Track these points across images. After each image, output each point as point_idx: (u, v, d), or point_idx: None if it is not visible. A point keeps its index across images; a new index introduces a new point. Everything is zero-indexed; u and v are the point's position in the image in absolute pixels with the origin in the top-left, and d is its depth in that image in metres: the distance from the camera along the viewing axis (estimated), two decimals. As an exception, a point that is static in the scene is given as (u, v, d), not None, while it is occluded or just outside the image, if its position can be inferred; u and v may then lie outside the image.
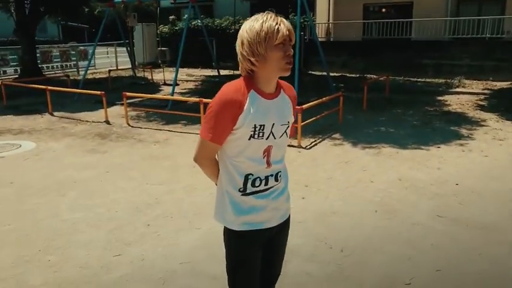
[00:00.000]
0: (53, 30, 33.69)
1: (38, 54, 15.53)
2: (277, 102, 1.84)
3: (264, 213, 1.88)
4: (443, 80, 13.67)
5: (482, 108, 9.76)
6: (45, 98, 9.56)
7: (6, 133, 7.94)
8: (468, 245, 3.63)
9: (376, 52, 15.51)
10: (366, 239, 3.76)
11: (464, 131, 7.60)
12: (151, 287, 3.08)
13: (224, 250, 1.96)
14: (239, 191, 1.84)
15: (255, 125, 1.75)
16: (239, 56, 1.78)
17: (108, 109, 8.96)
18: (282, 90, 1.88)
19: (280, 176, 1.91)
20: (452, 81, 13.28)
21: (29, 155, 6.52)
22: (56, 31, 33.52)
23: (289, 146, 6.67)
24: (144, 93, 10.50)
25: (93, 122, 8.82)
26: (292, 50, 1.77)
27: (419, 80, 14.20)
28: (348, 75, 15.56)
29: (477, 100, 10.76)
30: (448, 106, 10.07)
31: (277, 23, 1.73)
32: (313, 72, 15.65)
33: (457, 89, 12.45)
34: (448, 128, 7.89)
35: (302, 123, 6.84)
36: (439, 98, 11.20)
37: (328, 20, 18.24)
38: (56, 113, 9.55)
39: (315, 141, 7.06)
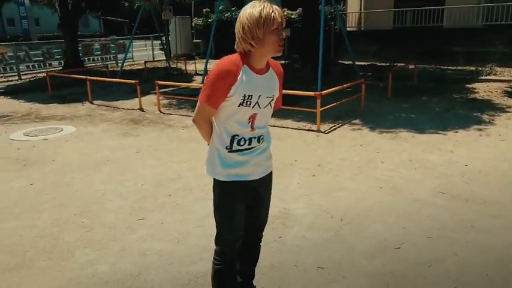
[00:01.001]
0: (95, 24, 35.14)
1: (80, 48, 16.42)
2: (265, 78, 2.15)
3: (246, 168, 2.21)
4: (474, 68, 13.43)
5: (510, 95, 9.62)
6: (86, 88, 10.26)
7: (50, 119, 8.65)
8: (463, 218, 3.83)
9: (407, 41, 15.38)
10: (366, 211, 4.04)
11: (486, 117, 7.61)
12: (167, 244, 3.51)
13: None
14: (226, 148, 2.17)
15: (244, 94, 2.06)
16: (239, 38, 2.07)
17: (142, 98, 9.52)
18: (270, 68, 2.18)
19: (262, 139, 2.24)
20: (484, 68, 13.02)
21: (69, 137, 7.15)
22: (97, 26, 34.95)
23: (308, 130, 7.00)
24: (177, 83, 11.01)
25: (128, 109, 9.42)
26: (284, 34, 2.07)
27: (450, 68, 14.00)
28: (377, 64, 15.52)
29: (506, 87, 10.58)
30: (475, 93, 9.99)
31: (272, 11, 2.01)
32: (343, 62, 15.71)
33: (488, 77, 12.22)
34: (471, 114, 7.91)
35: (321, 109, 7.11)
36: (468, 85, 11.07)
37: (360, 9, 18.16)
38: (95, 102, 10.23)
39: (334, 126, 7.30)
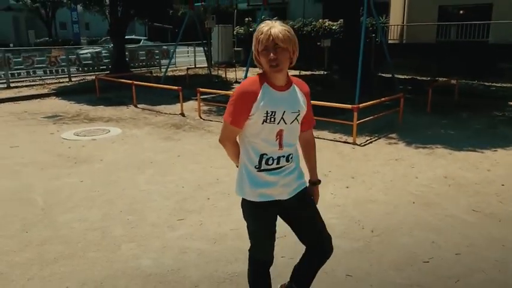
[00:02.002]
0: (140, 30, 36.45)
1: (126, 53, 17.19)
2: (288, 94, 2.23)
3: (275, 188, 2.26)
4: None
5: (556, 115, 9.36)
6: (131, 91, 10.80)
7: (98, 120, 9.19)
8: (494, 237, 3.88)
9: (450, 55, 15.15)
10: (397, 224, 4.15)
11: (528, 137, 7.48)
12: (205, 244, 3.76)
13: None
14: (255, 167, 2.23)
15: (267, 111, 2.14)
16: None
17: (184, 103, 9.93)
18: (293, 85, 2.27)
19: (291, 158, 2.29)
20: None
21: (116, 139, 7.60)
22: (143, 31, 36.23)
23: (344, 142, 7.14)
24: (217, 90, 11.39)
25: (170, 114, 9.84)
26: (275, 55, 2.08)
27: (493, 84, 13.68)
28: (418, 78, 15.36)
29: (554, 107, 10.28)
30: (518, 112, 9.78)
31: (263, 32, 2.09)
32: (383, 75, 15.66)
33: (535, 95, 11.89)
34: (512, 133, 7.80)
35: (358, 122, 7.23)
36: (511, 103, 10.84)
37: (403, 22, 18.04)
38: (139, 105, 10.75)
39: (370, 139, 7.39)
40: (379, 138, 7.45)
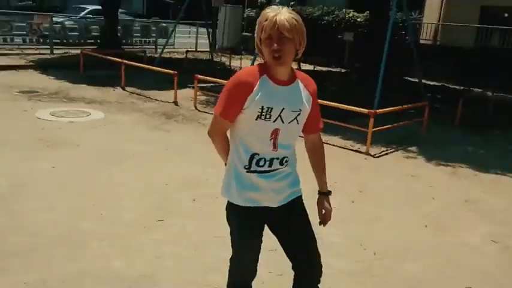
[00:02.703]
0: (137, 3, 36.63)
1: (119, 27, 17.33)
2: (290, 90, 2.23)
3: (265, 193, 2.29)
4: None
5: None
6: (120, 71, 10.91)
7: (79, 101, 9.31)
8: (511, 271, 3.95)
9: (489, 63, 15.20)
10: (404, 248, 4.22)
11: None
12: (184, 250, 3.85)
13: None
14: (244, 167, 2.25)
15: (262, 106, 2.14)
16: None
17: (178, 90, 10.04)
18: (298, 80, 2.28)
19: (286, 162, 2.30)
20: None
21: (96, 123, 7.71)
22: (140, 5, 36.42)
23: (356, 151, 7.22)
24: (218, 79, 11.48)
25: (161, 101, 9.95)
26: (279, 45, 2.10)
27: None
28: (450, 86, 15.43)
29: None
30: (560, 134, 9.82)
31: (267, 19, 2.11)
32: (409, 79, 15.73)
33: None
34: (550, 157, 7.85)
35: (374, 129, 7.30)
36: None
37: (439, 20, 18.13)
38: (127, 88, 10.86)
39: (386, 150, 7.47)
40: (397, 151, 7.52)
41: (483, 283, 3.74)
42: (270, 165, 2.27)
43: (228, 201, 2.38)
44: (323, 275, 3.37)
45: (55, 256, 3.60)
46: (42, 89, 10.18)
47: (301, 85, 2.30)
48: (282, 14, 2.12)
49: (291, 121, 2.25)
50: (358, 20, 18.11)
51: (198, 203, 4.80)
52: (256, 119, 2.17)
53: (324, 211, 2.55)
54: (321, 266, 2.54)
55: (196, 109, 9.44)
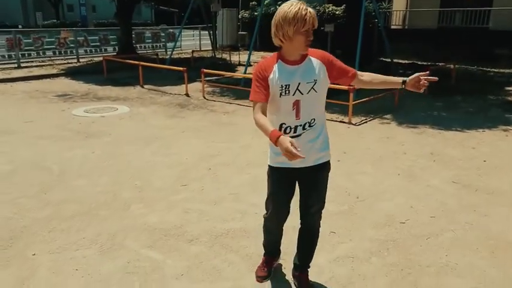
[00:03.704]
0: (146, 13, 36.59)
1: (133, 35, 17.48)
2: (302, 67, 2.38)
3: None
4: (517, 71, 13.32)
5: (549, 99, 9.65)
6: (138, 72, 11.16)
7: (106, 99, 9.59)
8: (468, 203, 4.26)
9: (451, 41, 15.35)
10: (381, 192, 4.54)
11: (517, 119, 7.80)
12: (205, 206, 4.18)
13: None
14: None
15: (282, 85, 2.35)
16: (272, 33, 2.37)
17: (188, 84, 10.30)
18: (309, 57, 2.42)
19: (309, 126, 2.44)
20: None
21: (123, 116, 8.00)
22: (149, 15, 36.38)
23: (340, 122, 7.49)
24: (221, 72, 11.72)
25: (175, 94, 10.22)
26: (312, 36, 2.32)
27: (492, 70, 13.91)
28: (418, 62, 15.59)
29: (547, 92, 10.55)
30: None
31: (306, 14, 2.24)
32: (384, 59, 15.89)
33: (531, 81, 12.14)
34: (502, 115, 8.10)
35: (354, 103, 7.57)
36: (508, 88, 11.10)
37: (406, 8, 18.19)
38: (145, 86, 11.12)
39: (365, 119, 7.75)
40: (374, 119, 7.80)
41: (444, 212, 4.06)
42: (295, 132, 2.44)
43: (268, 164, 2.64)
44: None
45: (104, 217, 3.94)
46: (74, 92, 10.46)
47: (312, 59, 2.43)
48: (310, 9, 2.28)
49: (309, 91, 2.39)
50: (337, 12, 18.18)
51: (213, 170, 5.12)
52: (280, 96, 2.38)
53: (416, 81, 2.51)
54: (316, 228, 2.80)
55: (205, 98, 9.71)
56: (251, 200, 4.28)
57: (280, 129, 2.43)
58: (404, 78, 2.55)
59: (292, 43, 2.33)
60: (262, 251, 3.09)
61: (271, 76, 2.37)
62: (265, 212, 2.82)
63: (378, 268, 3.16)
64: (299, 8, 2.26)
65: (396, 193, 4.51)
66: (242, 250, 3.38)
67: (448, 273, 3.09)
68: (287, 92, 2.37)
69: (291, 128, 2.44)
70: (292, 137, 2.35)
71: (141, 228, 3.73)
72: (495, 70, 13.87)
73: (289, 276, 3.02)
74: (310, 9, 2.29)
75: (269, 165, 2.61)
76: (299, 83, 2.37)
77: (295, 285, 2.93)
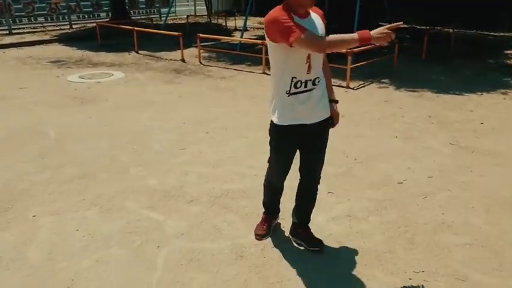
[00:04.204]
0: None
1: (126, 0, 17.07)
2: (309, 21, 2.35)
3: (301, 113, 2.46)
4: (517, 35, 13.16)
5: (548, 63, 9.59)
6: (132, 38, 10.95)
7: (101, 65, 9.44)
8: (465, 164, 4.29)
9: (451, 4, 15.05)
10: (379, 153, 4.56)
11: (515, 82, 7.77)
12: (204, 168, 4.19)
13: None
14: (286, 92, 2.43)
15: None
16: None
17: (184, 50, 10.13)
18: (310, 13, 2.40)
19: (318, 82, 2.46)
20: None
21: (119, 81, 7.91)
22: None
23: (338, 86, 7.44)
24: (218, 36, 11.52)
25: (171, 60, 10.07)
26: None
27: (491, 33, 13.74)
28: (417, 27, 15.34)
29: (547, 55, 10.48)
30: (511, 60, 9.98)
31: None
32: (383, 24, 15.60)
33: (530, 44, 12.02)
34: (501, 79, 8.07)
35: (352, 66, 7.50)
36: (507, 51, 11.01)
37: (406, -30, 17.70)
38: (140, 52, 10.94)
39: (364, 83, 7.69)
40: (372, 83, 7.74)
41: (441, 173, 4.10)
42: (305, 86, 2.43)
43: (272, 122, 2.58)
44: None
45: (103, 179, 3.96)
46: (68, 58, 10.28)
47: (314, 15, 2.43)
48: None
49: None
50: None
51: (211, 134, 5.11)
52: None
53: (332, 118, 2.66)
54: (316, 184, 2.85)
55: (201, 63, 9.58)
56: (249, 162, 4.29)
57: (291, 83, 2.40)
58: (334, 99, 2.69)
59: None
60: (262, 210, 3.13)
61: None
62: (268, 169, 2.84)
63: (375, 226, 3.21)
64: None
65: (393, 154, 4.53)
66: (241, 210, 3.41)
67: (445, 230, 3.15)
68: None
69: (301, 83, 2.42)
70: (304, 91, 2.43)
71: (141, 190, 3.75)
72: (494, 33, 13.70)
73: (288, 234, 3.07)
74: None
75: (276, 124, 2.53)
76: None
77: (296, 243, 2.98)
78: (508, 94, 6.97)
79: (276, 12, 2.27)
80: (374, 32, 2.13)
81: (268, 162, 2.80)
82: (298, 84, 2.41)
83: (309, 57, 2.36)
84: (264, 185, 2.98)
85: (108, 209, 3.44)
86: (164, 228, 3.17)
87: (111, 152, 4.59)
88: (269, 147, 2.71)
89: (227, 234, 3.10)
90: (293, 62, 2.38)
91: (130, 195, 3.67)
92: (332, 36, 2.20)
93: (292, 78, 2.39)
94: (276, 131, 2.59)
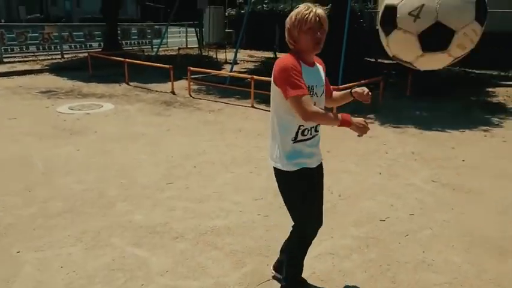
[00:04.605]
0: (132, 10, 36.29)
1: (118, 31, 17.36)
2: (315, 70, 2.47)
3: (308, 157, 2.49)
4: (497, 72, 13.61)
5: (527, 100, 9.92)
6: (123, 69, 11.12)
7: (91, 96, 9.55)
8: (446, 202, 4.40)
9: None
10: (362, 190, 4.66)
11: (495, 120, 8.02)
12: (191, 203, 4.24)
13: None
14: (291, 140, 2.42)
15: (309, 85, 2.33)
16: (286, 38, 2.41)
17: (174, 82, 10.30)
18: (316, 63, 2.51)
19: (318, 127, 2.52)
20: (506, 73, 13.22)
21: (108, 113, 7.99)
22: (134, 11, 36.08)
23: (324, 120, 7.59)
24: (208, 69, 11.73)
25: (161, 91, 10.22)
26: (321, 34, 2.31)
27: (474, 71, 14.19)
28: (403, 63, 15.81)
29: (527, 93, 10.84)
30: (492, 97, 10.32)
31: (308, 13, 2.27)
32: (369, 59, 16.08)
33: (510, 82, 12.41)
34: (482, 116, 8.31)
35: (338, 102, 7.69)
36: (489, 89, 11.37)
37: (391, 8, 18.37)
38: (131, 83, 11.09)
39: (349, 118, 7.86)
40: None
41: (423, 210, 4.19)
42: (311, 134, 2.47)
43: (281, 173, 2.48)
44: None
45: (89, 214, 3.98)
46: (59, 88, 10.38)
47: (318, 66, 2.53)
48: (319, 9, 2.32)
49: (321, 94, 2.48)
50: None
51: (198, 168, 5.18)
52: None
53: (359, 92, 2.64)
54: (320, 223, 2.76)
55: (191, 96, 9.73)
56: (235, 198, 4.35)
57: (298, 130, 2.42)
58: (350, 90, 2.71)
59: (300, 44, 2.36)
60: (246, 248, 3.17)
61: (302, 74, 2.33)
62: (304, 223, 2.65)
63: (357, 264, 3.26)
64: (301, 8, 2.32)
65: (377, 191, 4.64)
66: (226, 247, 3.45)
67: (425, 269, 3.22)
68: (312, 92, 2.37)
69: (308, 130, 2.45)
70: (310, 138, 2.48)
71: (126, 226, 3.77)
72: (477, 71, 14.14)
73: (271, 271, 3.10)
74: (316, 9, 2.31)
75: (287, 172, 2.46)
76: (316, 85, 2.42)
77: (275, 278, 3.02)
78: (488, 131, 7.19)
79: (288, 60, 2.33)
80: (355, 121, 2.36)
81: (297, 215, 2.62)
82: (306, 132, 2.44)
83: (314, 104, 2.38)
84: (293, 250, 2.78)
85: (93, 245, 3.45)
86: (149, 266, 3.19)
87: (98, 185, 4.62)
88: (290, 202, 2.60)
89: (211, 272, 3.13)
90: None
91: (116, 231, 3.69)
92: (318, 111, 2.32)
93: (300, 125, 2.41)
94: (292, 178, 2.48)
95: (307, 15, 2.28)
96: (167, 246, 3.46)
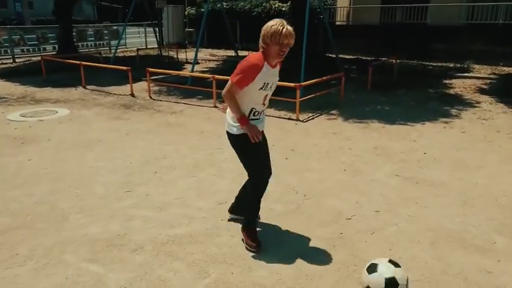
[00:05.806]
0: (88, 10, 35.15)
1: (74, 33, 16.72)
2: (274, 70, 3.17)
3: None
4: (452, 65, 13.99)
5: (482, 91, 10.22)
6: (80, 73, 10.66)
7: (45, 102, 9.09)
8: (410, 196, 4.39)
9: (392, 36, 15.89)
10: (328, 188, 4.59)
11: (454, 111, 8.19)
12: (150, 212, 4.03)
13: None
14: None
15: (264, 82, 3.06)
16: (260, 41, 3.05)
17: (134, 84, 9.97)
18: (277, 64, 3.18)
19: (265, 110, 3.32)
20: (462, 65, 13.61)
21: (63, 119, 7.61)
22: (91, 11, 34.97)
23: (288, 119, 7.53)
24: (167, 70, 11.44)
25: (120, 94, 9.87)
26: (285, 48, 2.98)
27: (431, 64, 14.55)
28: (362, 57, 16.03)
29: (481, 84, 11.18)
30: (449, 89, 10.57)
31: (282, 29, 2.91)
32: (330, 55, 16.20)
33: (466, 74, 12.77)
34: (441, 108, 8.48)
35: (300, 99, 7.63)
36: (445, 81, 11.65)
37: (350, 4, 18.61)
38: (88, 87, 10.65)
39: (313, 116, 7.83)
40: (321, 115, 7.90)
41: (388, 206, 4.16)
42: (259, 114, 3.23)
43: (236, 137, 3.18)
44: (266, 218, 3.69)
45: (40, 230, 3.70)
46: (9, 94, 9.83)
47: (278, 67, 3.21)
48: (289, 27, 2.95)
49: (274, 88, 3.21)
50: (283, 9, 18.35)
51: (159, 174, 4.97)
52: (259, 90, 3.07)
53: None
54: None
55: (151, 98, 9.44)
56: (198, 204, 4.18)
57: (250, 111, 3.15)
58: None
59: (269, 51, 3.00)
60: (209, 256, 3.01)
61: (260, 73, 3.01)
62: (257, 174, 3.31)
63: (325, 267, 3.17)
64: (278, 24, 2.93)
65: (342, 189, 4.58)
66: (188, 257, 3.28)
67: (392, 267, 3.15)
68: (265, 87, 3.09)
69: (258, 112, 3.20)
70: (258, 118, 3.23)
71: (81, 240, 3.53)
72: (433, 64, 14.51)
73: (237, 281, 2.96)
74: (288, 27, 2.94)
75: (240, 134, 3.15)
76: (273, 83, 3.15)
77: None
78: (448, 123, 7.32)
79: (258, 58, 3.01)
80: (250, 127, 3.11)
81: (251, 168, 3.30)
82: (256, 113, 3.19)
83: (265, 96, 3.17)
84: (256, 193, 3.40)
85: (44, 264, 3.20)
86: (105, 282, 2.98)
87: (50, 198, 4.33)
88: (244, 159, 3.29)
89: (172, 286, 2.95)
90: (253, 98, 3.12)
91: (69, 246, 3.44)
92: (234, 99, 3.08)
93: (252, 108, 3.15)
94: (242, 139, 3.17)
95: (280, 31, 2.90)
96: (125, 260, 3.25)
